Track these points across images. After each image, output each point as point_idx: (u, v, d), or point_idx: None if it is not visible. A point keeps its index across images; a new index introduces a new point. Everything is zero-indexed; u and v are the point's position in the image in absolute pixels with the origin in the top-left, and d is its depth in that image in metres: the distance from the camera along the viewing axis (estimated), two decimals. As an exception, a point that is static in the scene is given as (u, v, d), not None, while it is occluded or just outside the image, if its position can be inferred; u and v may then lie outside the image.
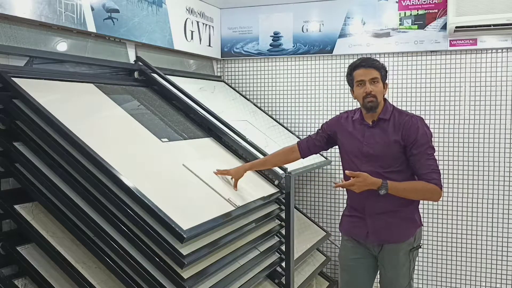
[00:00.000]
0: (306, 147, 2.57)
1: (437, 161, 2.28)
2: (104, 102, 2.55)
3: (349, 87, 2.41)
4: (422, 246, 2.38)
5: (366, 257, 2.42)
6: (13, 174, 2.18)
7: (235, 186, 2.55)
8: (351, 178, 2.19)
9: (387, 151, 2.26)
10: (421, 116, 3.59)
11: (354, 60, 2.37)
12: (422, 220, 2.44)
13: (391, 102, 2.41)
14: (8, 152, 2.15)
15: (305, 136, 2.66)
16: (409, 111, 2.42)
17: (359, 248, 2.42)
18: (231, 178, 2.58)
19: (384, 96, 2.34)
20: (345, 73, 2.42)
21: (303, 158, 2.64)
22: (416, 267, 3.69)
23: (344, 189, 2.46)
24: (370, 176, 2.17)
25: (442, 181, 2.23)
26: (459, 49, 3.52)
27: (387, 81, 2.36)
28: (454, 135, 3.58)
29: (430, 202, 3.63)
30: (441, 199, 2.29)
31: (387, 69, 2.36)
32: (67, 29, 2.59)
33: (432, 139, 2.29)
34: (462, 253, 3.62)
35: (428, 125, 2.33)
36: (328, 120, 2.58)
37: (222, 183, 2.53)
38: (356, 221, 2.39)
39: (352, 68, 2.34)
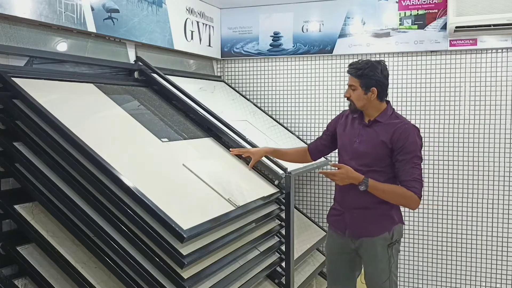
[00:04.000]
0: (315, 149, 2.65)
1: (421, 171, 2.31)
2: (104, 102, 2.55)
3: None
4: (399, 241, 2.43)
5: (347, 249, 2.48)
6: (13, 174, 2.18)
7: (251, 166, 2.65)
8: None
9: (373, 150, 2.33)
10: (422, 116, 3.60)
11: (354, 60, 2.41)
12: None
13: (391, 103, 2.44)
14: (8, 152, 2.16)
15: (311, 139, 2.71)
16: (405, 118, 2.45)
17: (342, 241, 2.49)
18: (246, 157, 2.69)
19: (371, 100, 2.34)
20: (345, 73, 2.48)
21: (314, 161, 2.70)
22: (415, 267, 3.71)
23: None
24: (353, 170, 2.26)
25: (422, 191, 2.30)
26: (459, 49, 3.52)
27: (373, 88, 2.33)
28: (454, 135, 3.58)
29: (430, 202, 3.63)
30: (418, 208, 2.34)
31: (373, 74, 2.32)
32: (67, 29, 2.59)
33: (422, 149, 2.34)
34: (462, 253, 3.62)
35: (421, 135, 2.37)
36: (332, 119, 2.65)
37: (223, 183, 2.53)
38: (338, 214, 2.49)
39: None
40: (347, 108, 2.54)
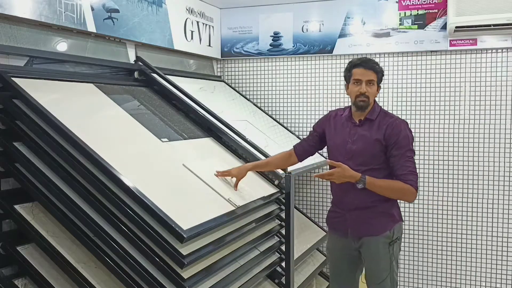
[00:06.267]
0: (301, 149, 2.64)
1: (415, 163, 2.34)
2: (104, 102, 2.55)
3: (345, 82, 2.50)
4: (400, 239, 2.46)
5: (349, 249, 2.49)
6: (13, 174, 2.18)
7: (236, 186, 2.55)
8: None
9: (368, 149, 2.35)
10: (422, 116, 3.61)
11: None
12: (402, 216, 2.51)
13: (390, 102, 2.46)
14: (8, 152, 2.15)
15: (303, 138, 2.69)
16: (393, 113, 2.49)
17: (344, 241, 2.49)
18: (231, 178, 2.58)
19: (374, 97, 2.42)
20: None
21: (301, 162, 2.70)
22: (416, 267, 3.71)
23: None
24: (349, 168, 2.25)
25: (418, 183, 2.32)
26: (459, 49, 3.52)
27: (380, 84, 2.44)
28: (454, 135, 3.58)
29: (430, 202, 3.63)
30: (416, 199, 2.36)
31: (384, 72, 2.45)
32: (67, 29, 2.59)
33: (414, 143, 2.38)
34: (462, 253, 3.62)
35: (411, 129, 2.41)
36: (318, 120, 2.66)
37: (222, 183, 2.53)
38: (338, 216, 2.49)
39: (353, 65, 2.41)
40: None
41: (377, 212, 2.37)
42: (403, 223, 2.50)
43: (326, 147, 2.59)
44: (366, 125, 2.38)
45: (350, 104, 2.49)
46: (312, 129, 2.66)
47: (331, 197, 2.59)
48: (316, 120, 3.90)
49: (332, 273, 2.61)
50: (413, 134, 2.43)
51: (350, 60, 2.50)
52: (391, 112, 2.56)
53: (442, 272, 3.68)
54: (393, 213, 2.41)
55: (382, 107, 2.49)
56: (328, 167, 2.40)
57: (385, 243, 2.37)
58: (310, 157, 2.74)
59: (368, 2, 3.72)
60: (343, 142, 2.42)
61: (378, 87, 2.42)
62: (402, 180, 2.26)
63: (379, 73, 2.39)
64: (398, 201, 2.47)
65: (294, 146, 2.66)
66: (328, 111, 2.65)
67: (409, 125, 2.40)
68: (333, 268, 2.60)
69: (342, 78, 3.77)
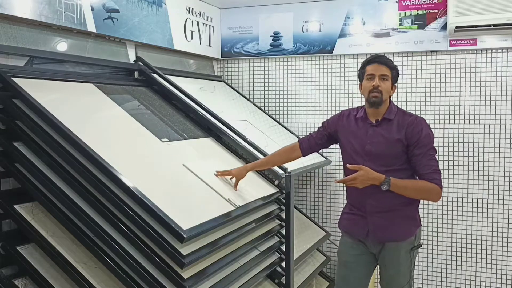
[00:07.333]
0: (308, 145, 2.57)
1: (438, 162, 2.29)
2: (104, 102, 2.55)
3: (358, 82, 2.42)
4: (422, 245, 2.38)
5: (365, 254, 2.42)
6: (13, 174, 2.18)
7: (236, 186, 2.55)
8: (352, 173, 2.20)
9: (389, 150, 2.27)
10: (422, 116, 3.60)
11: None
12: (421, 220, 2.44)
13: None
14: (8, 152, 2.16)
15: (305, 135, 2.66)
16: (410, 112, 2.43)
17: (359, 245, 2.42)
18: (230, 178, 2.58)
19: (390, 97, 2.35)
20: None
21: (304, 157, 2.64)
22: (416, 267, 3.70)
23: (344, 187, 2.46)
24: (372, 171, 2.17)
25: (442, 182, 2.24)
26: (459, 49, 3.52)
27: (396, 84, 2.37)
28: (454, 135, 3.58)
29: (430, 202, 3.63)
30: (440, 199, 2.29)
31: (399, 72, 2.38)
32: (67, 29, 2.59)
33: (434, 140, 2.30)
34: (462, 253, 3.62)
35: (429, 126, 2.34)
36: (329, 118, 2.57)
37: (222, 183, 2.53)
38: (357, 219, 2.39)
39: (366, 63, 2.36)
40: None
41: (401, 216, 2.29)
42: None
43: (340, 149, 2.49)
44: (384, 125, 2.31)
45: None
46: (321, 126, 2.56)
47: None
48: (317, 120, 3.95)
49: (343, 279, 2.47)
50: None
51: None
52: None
53: (442, 272, 3.68)
54: (416, 217, 2.34)
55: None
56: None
57: (407, 249, 2.31)
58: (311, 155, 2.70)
59: (368, 2, 3.72)
60: (360, 143, 2.33)
61: (394, 86, 2.35)
62: (426, 179, 2.19)
63: (393, 70, 2.33)
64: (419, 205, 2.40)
65: (299, 141, 2.59)
66: (340, 110, 2.55)
67: (426, 121, 2.33)
68: (343, 272, 2.47)
69: (342, 78, 3.81)
